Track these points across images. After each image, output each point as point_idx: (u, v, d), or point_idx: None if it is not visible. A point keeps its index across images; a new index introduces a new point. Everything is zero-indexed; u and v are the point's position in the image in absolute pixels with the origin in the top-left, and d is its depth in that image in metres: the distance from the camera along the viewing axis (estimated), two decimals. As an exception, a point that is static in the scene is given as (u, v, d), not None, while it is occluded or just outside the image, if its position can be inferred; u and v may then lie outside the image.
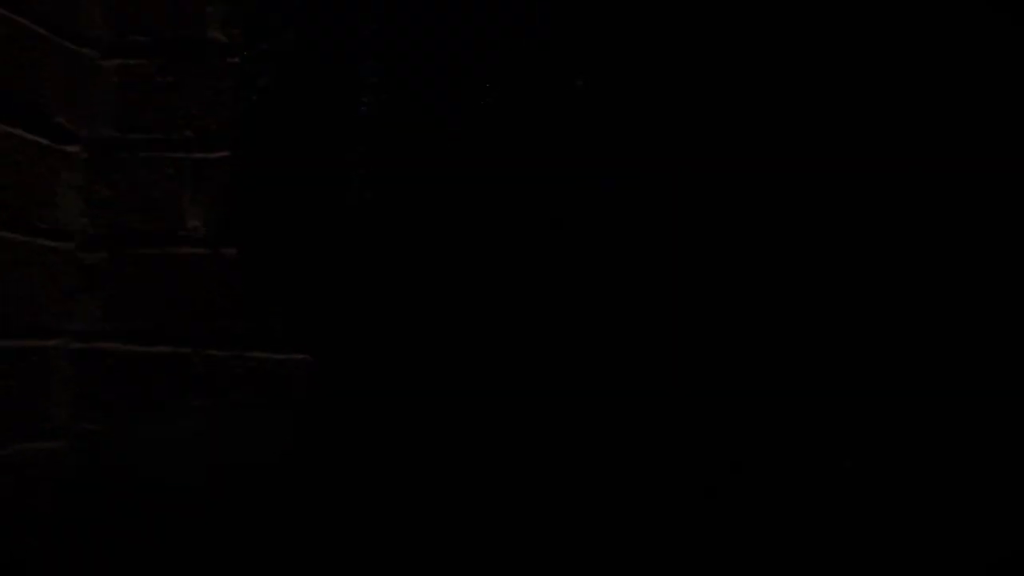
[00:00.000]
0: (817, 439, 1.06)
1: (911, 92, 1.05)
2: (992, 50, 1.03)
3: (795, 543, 1.06)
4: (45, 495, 1.20)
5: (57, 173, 1.21)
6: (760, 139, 1.08)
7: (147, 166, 1.24)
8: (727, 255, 1.09)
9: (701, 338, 1.10)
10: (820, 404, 1.07)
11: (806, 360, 1.07)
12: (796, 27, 1.08)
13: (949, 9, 1.04)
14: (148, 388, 1.23)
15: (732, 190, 1.09)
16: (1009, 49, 1.03)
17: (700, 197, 1.10)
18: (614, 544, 1.10)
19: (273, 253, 1.21)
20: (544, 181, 1.13)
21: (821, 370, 1.07)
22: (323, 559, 1.17)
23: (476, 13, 1.15)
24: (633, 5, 1.10)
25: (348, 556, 1.16)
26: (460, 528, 1.14)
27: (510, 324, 1.14)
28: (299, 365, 1.18)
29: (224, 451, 1.20)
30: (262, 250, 1.21)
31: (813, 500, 1.06)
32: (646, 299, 1.11)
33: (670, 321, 1.10)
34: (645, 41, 1.10)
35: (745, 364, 1.08)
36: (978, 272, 1.03)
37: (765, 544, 1.06)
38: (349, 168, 1.18)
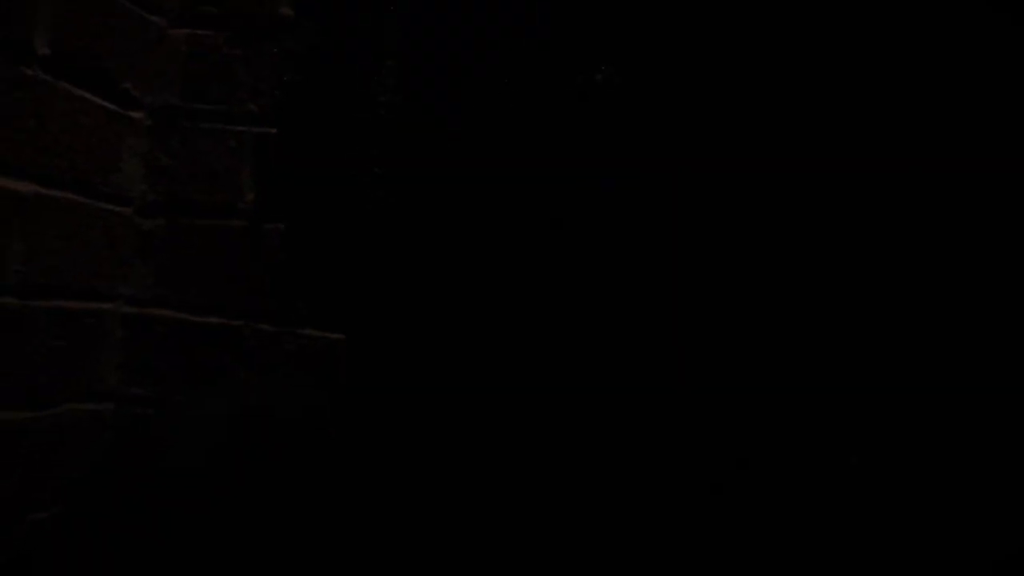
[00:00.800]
0: (823, 436, 1.06)
1: (915, 94, 1.04)
2: (992, 50, 1.02)
3: (801, 539, 1.06)
4: (90, 455, 1.22)
5: (122, 138, 1.22)
6: (767, 140, 1.07)
7: (209, 137, 1.25)
8: (736, 254, 1.09)
9: (709, 336, 1.10)
10: (826, 401, 1.07)
11: (812, 357, 1.07)
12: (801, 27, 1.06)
13: (949, 9, 1.04)
14: (197, 358, 1.24)
15: (740, 189, 1.09)
16: (1009, 49, 1.02)
17: (710, 196, 1.10)
18: (624, 538, 1.10)
19: (308, 233, 1.21)
20: (554, 180, 1.13)
21: (827, 367, 1.06)
22: (352, 541, 1.18)
23: (489, 17, 1.16)
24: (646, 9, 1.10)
25: (376, 538, 1.17)
26: (477, 512, 1.14)
27: (526, 319, 1.14)
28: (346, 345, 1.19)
29: (266, 429, 1.21)
30: (299, 230, 1.22)
31: (819, 496, 1.05)
32: (656, 296, 1.11)
33: (680, 319, 1.10)
34: (658, 40, 1.09)
35: (752, 361, 1.08)
36: (982, 271, 1.02)
37: (771, 540, 1.06)
38: (367, 163, 1.19)
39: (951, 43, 1.03)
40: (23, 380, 1.07)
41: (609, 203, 1.12)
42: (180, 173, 1.26)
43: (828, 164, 1.06)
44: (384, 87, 1.18)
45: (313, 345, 1.20)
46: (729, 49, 1.10)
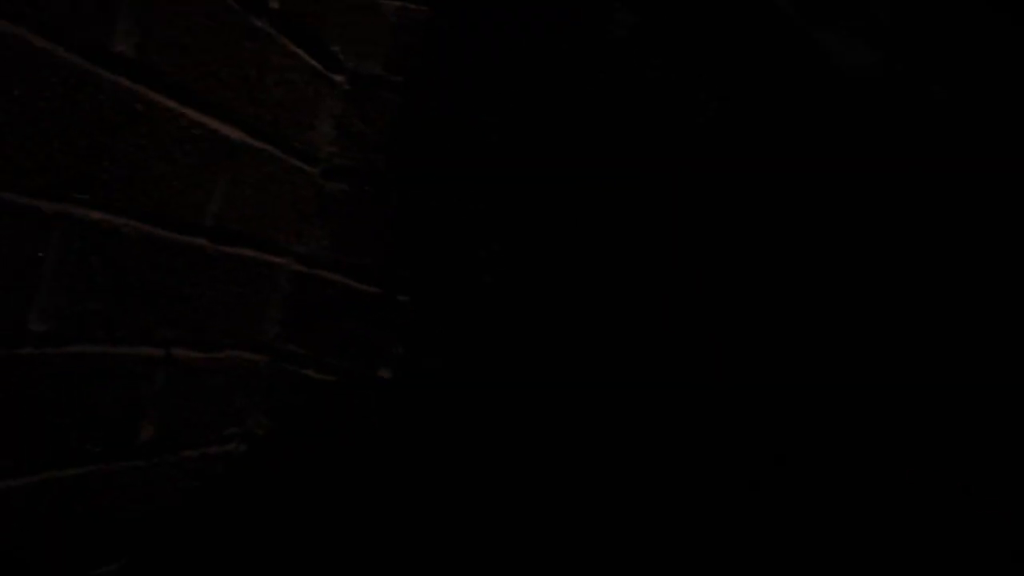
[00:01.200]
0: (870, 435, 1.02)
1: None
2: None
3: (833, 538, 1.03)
4: (241, 403, 1.24)
5: (321, 99, 1.23)
6: (761, 143, 1.03)
7: (404, 110, 1.25)
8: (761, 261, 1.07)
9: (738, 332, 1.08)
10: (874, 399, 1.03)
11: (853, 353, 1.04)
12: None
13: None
14: (357, 326, 1.24)
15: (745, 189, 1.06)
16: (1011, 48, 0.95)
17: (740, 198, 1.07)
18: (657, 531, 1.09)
19: (451, 224, 1.20)
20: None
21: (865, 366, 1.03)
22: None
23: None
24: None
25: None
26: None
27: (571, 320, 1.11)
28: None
29: (415, 410, 1.20)
30: (444, 220, 1.20)
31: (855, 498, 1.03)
32: (699, 296, 1.09)
33: (718, 318, 1.09)
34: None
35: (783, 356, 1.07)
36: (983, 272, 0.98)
37: (807, 538, 1.04)
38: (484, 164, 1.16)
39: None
40: (199, 321, 1.10)
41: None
42: (371, 141, 1.26)
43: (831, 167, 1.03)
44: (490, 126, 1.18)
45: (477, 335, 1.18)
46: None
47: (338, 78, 1.26)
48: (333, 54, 1.23)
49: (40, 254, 0.83)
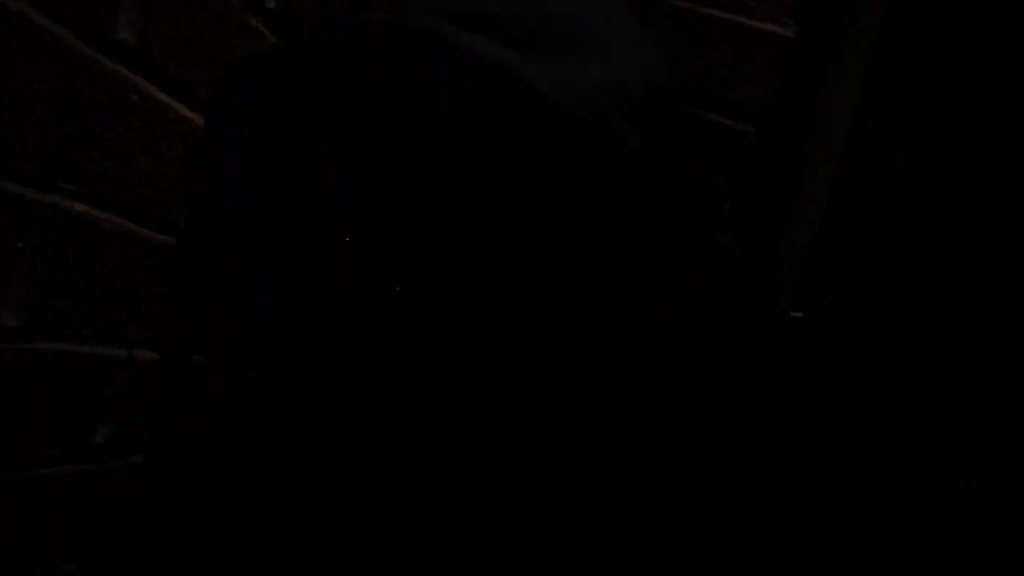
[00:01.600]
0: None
1: None
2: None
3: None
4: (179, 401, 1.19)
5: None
6: None
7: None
8: None
9: None
10: None
11: None
12: None
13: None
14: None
15: None
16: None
17: None
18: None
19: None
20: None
21: None
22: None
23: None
24: None
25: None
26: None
27: None
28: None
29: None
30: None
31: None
32: None
33: None
34: None
35: None
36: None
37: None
38: None
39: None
40: (165, 322, 1.05)
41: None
42: (346, 149, 1.24)
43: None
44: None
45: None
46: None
47: (318, 82, 1.24)
48: (316, 57, 1.21)
49: (20, 244, 0.78)
